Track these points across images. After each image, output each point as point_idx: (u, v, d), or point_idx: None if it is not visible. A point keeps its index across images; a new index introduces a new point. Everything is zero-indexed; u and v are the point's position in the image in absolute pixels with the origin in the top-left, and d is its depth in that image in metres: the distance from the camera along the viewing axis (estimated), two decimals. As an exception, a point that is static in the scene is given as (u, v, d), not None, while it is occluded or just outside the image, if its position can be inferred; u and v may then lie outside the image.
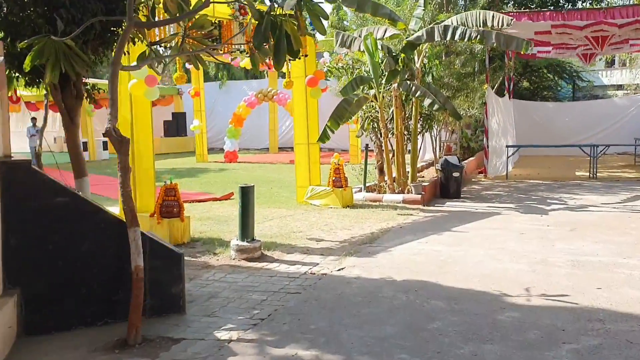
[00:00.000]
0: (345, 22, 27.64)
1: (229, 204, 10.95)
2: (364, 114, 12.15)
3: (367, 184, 11.78)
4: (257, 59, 5.14)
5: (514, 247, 7.17)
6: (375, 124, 12.02)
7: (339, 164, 10.56)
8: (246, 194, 6.77)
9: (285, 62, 10.53)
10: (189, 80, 21.97)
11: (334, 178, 10.45)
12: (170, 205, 7.49)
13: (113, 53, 5.10)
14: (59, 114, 6.16)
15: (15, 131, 31.09)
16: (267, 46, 4.88)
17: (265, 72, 26.24)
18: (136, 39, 5.87)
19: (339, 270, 6.19)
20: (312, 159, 10.87)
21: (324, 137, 10.25)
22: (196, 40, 5.46)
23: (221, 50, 9.01)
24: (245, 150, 26.60)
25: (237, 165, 19.96)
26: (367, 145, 12.11)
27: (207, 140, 27.56)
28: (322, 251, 7.04)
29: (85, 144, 24.12)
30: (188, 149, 27.64)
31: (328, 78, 12.14)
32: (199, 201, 11.36)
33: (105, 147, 25.41)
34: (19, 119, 31.47)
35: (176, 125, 30.20)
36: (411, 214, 9.62)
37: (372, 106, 11.83)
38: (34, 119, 19.43)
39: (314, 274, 6.07)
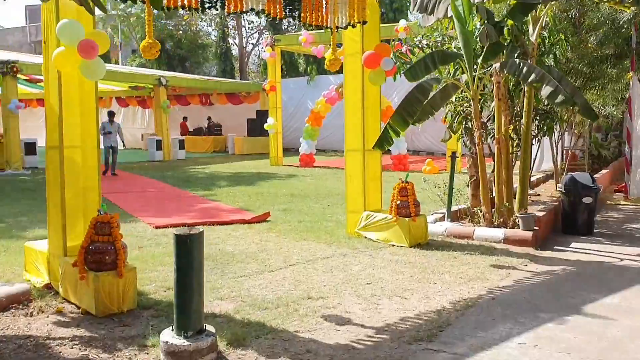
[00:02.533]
0: None
1: (257, 230, 7.95)
2: (454, 108, 8.68)
3: (454, 208, 8.32)
4: None
5: None
6: (469, 123, 8.51)
7: (406, 183, 7.19)
8: (187, 249, 3.65)
9: (333, 31, 7.43)
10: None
11: (398, 202, 7.11)
12: (101, 250, 4.56)
13: None
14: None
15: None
16: None
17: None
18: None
19: None
20: (370, 173, 7.58)
21: (383, 141, 6.95)
22: None
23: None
24: (324, 152, 23.59)
25: (309, 171, 16.99)
26: (453, 153, 8.58)
27: (291, 140, 25.01)
28: (331, 357, 3.80)
29: (159, 142, 22.24)
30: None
31: (402, 61, 8.76)
32: (222, 223, 8.46)
33: (181, 146, 23.41)
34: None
35: (260, 124, 27.89)
36: (514, 267, 6.08)
37: (463, 97, 8.34)
38: (111, 114, 17.29)
39: None
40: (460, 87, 7.65)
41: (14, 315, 4.49)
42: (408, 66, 7.38)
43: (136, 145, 29.44)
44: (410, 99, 6.90)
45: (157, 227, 8.23)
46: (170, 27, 33.59)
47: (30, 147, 18.72)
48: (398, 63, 8.49)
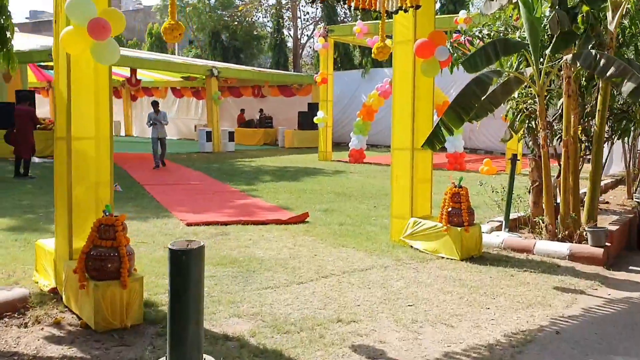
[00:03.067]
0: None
1: (293, 232, 7.34)
2: (516, 105, 7.80)
3: (512, 216, 7.47)
4: None
5: None
6: (532, 122, 7.62)
7: (459, 188, 6.40)
8: (182, 267, 2.99)
9: (382, 15, 6.71)
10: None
11: (450, 209, 6.33)
12: (103, 257, 4.02)
13: None
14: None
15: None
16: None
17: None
18: None
19: None
20: (419, 174, 6.82)
21: (434, 139, 6.19)
22: None
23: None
24: (376, 148, 22.77)
25: (358, 168, 16.29)
26: (514, 155, 7.70)
27: (342, 135, 24.34)
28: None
29: (209, 134, 21.98)
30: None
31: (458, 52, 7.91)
32: (257, 223, 7.89)
33: (231, 138, 23.10)
34: (165, 106, 30.79)
35: (311, 118, 27.30)
36: (582, 290, 5.23)
37: (527, 93, 7.46)
38: (155, 103, 16.16)
39: None
40: (524, 82, 6.79)
41: (5, 326, 4.02)
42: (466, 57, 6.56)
43: (189, 136, 29.44)
44: (467, 93, 6.11)
45: (188, 224, 7.74)
46: (226, 18, 33.41)
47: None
48: (455, 55, 7.67)
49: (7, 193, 10.23)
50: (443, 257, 6.23)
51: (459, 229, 6.21)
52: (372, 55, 6.53)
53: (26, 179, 12.14)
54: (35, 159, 16.18)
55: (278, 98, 27.52)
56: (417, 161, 6.77)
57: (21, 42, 20.51)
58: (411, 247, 6.61)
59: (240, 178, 13.24)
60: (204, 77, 22.30)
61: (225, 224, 7.81)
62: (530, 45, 6.30)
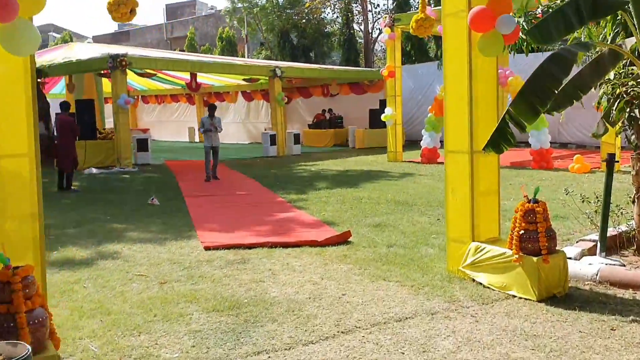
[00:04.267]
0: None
1: (327, 258, 5.96)
2: (612, 89, 6.01)
3: (611, 232, 5.72)
4: None
5: None
6: (635, 110, 5.81)
7: (535, 203, 4.77)
8: None
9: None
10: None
11: (522, 232, 4.72)
12: None
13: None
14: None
15: (232, 122, 29.82)
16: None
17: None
18: None
19: None
20: (482, 185, 5.24)
21: (500, 139, 4.62)
22: None
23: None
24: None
25: (430, 169, 14.64)
26: (611, 156, 5.87)
27: (417, 132, 22.63)
28: None
29: (273, 137, 20.98)
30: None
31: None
32: (287, 245, 6.58)
33: (297, 141, 21.99)
34: (236, 110, 30.25)
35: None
36: None
37: (628, 73, 5.68)
38: (212, 107, 13.71)
39: None
40: (623, 58, 5.07)
41: None
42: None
43: (259, 140, 28.70)
44: (541, 75, 4.49)
45: (206, 248, 6.56)
46: (295, 17, 32.42)
47: (142, 144, 18.25)
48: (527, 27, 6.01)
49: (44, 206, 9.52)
50: (514, 296, 4.65)
51: (535, 258, 4.61)
52: (410, 31, 5.05)
53: (69, 192, 11.50)
54: (93, 170, 15.74)
55: (349, 96, 26.15)
56: (479, 167, 5.20)
57: (81, 51, 20.44)
58: (473, 280, 5.06)
59: (294, 185, 12.01)
60: (267, 78, 21.32)
61: (250, 246, 6.55)
62: (631, 5, 4.59)
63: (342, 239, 6.74)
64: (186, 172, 15.27)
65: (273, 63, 23.95)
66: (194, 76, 20.58)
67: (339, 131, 25.70)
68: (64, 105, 11.97)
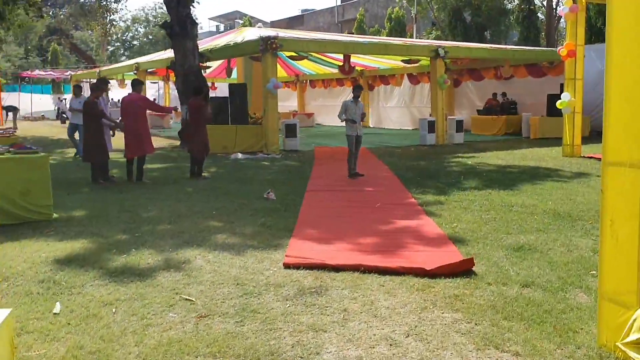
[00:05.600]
0: None
1: (431, 298, 4.37)
2: None
3: None
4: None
5: None
6: None
7: None
8: None
9: None
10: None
11: None
12: None
13: None
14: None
15: (396, 106, 28.45)
16: None
17: None
18: None
19: None
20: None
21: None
22: None
23: None
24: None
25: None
26: None
27: (601, 123, 19.28)
28: None
29: (432, 124, 19.17)
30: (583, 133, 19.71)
31: None
32: (385, 271, 5.06)
33: (459, 128, 19.89)
34: (401, 94, 28.71)
35: (565, 101, 22.38)
36: None
37: None
38: (358, 88, 11.15)
39: None
40: None
41: None
42: None
43: (422, 126, 26.93)
44: None
45: (286, 266, 5.29)
46: (469, -6, 29.85)
47: (290, 129, 17.61)
48: None
49: (160, 195, 9.05)
50: None
51: None
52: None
53: (198, 179, 11.00)
54: (239, 155, 15.38)
55: (525, 79, 23.21)
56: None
57: (247, 35, 20.32)
58: (640, 368, 3.16)
59: (436, 182, 10.30)
60: (429, 59, 19.48)
61: (338, 268, 5.16)
62: None
63: (461, 269, 5.05)
64: (328, 161, 14.22)
65: (435, 42, 21.95)
66: (347, 58, 19.44)
67: (512, 118, 22.96)
68: (136, 84, 11.04)
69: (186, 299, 4.46)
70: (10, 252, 5.83)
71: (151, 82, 35.46)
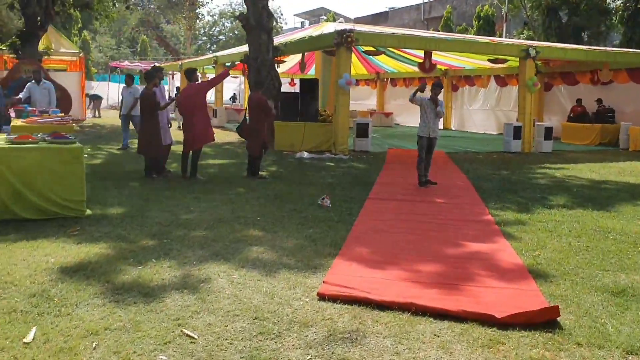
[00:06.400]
0: None
1: (508, 356, 3.29)
2: None
3: None
4: None
5: None
6: None
7: None
8: None
9: None
10: None
11: None
12: None
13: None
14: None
15: (480, 109, 26.80)
16: None
17: None
18: None
19: None
20: None
21: None
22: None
23: None
24: None
25: None
26: None
27: None
28: None
29: (517, 129, 17.61)
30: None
31: None
32: (444, 313, 3.99)
33: (548, 136, 18.17)
34: (486, 96, 26.98)
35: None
36: None
37: None
38: (438, 85, 11.15)
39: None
40: None
41: None
42: None
43: (507, 131, 25.12)
44: None
45: (320, 297, 4.32)
46: (568, -9, 27.51)
47: (362, 129, 16.59)
48: None
49: (208, 195, 8.29)
50: None
51: None
52: None
53: (255, 179, 10.22)
54: (305, 154, 14.57)
55: (626, 85, 21.00)
56: None
57: (325, 30, 19.48)
58: None
59: (518, 197, 9.00)
60: (517, 59, 17.88)
61: (383, 305, 4.13)
62: None
63: (542, 319, 3.90)
64: (400, 165, 13.12)
65: (526, 42, 20.22)
66: (427, 55, 18.16)
67: (608, 127, 20.83)
68: (190, 73, 10.22)
69: (187, 335, 3.60)
70: (19, 253, 5.21)
71: (232, 77, 35.47)
